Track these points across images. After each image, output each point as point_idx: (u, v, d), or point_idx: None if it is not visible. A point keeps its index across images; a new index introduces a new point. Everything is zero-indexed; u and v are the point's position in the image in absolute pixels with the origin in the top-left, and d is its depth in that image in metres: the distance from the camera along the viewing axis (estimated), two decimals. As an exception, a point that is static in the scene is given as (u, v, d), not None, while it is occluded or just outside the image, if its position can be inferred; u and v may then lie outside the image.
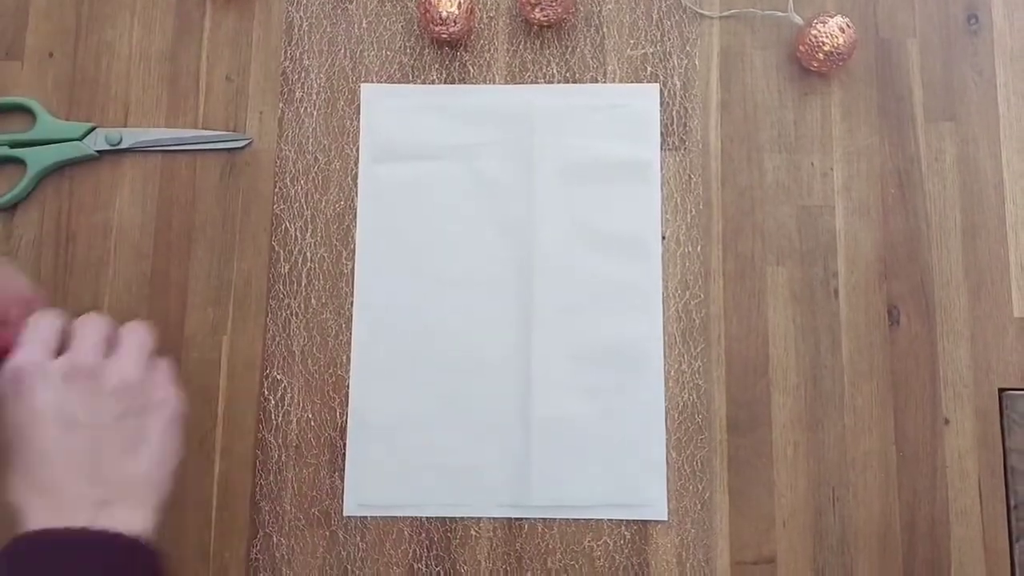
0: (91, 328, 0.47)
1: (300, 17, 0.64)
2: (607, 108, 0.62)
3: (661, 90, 0.63)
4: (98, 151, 0.62)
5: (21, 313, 0.48)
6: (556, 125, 0.62)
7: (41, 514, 0.42)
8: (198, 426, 0.59)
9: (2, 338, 0.47)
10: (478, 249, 0.61)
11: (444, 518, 0.58)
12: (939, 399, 0.59)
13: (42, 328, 0.47)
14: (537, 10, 0.61)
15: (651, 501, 0.58)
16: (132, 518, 0.44)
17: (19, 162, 0.62)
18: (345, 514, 0.58)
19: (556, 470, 0.58)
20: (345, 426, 0.59)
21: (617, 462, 0.58)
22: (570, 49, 0.63)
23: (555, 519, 0.58)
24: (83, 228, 0.62)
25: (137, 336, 0.49)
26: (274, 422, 0.59)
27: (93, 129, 0.62)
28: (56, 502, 0.43)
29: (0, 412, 0.45)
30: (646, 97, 0.62)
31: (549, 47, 0.63)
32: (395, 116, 0.63)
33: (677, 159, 0.62)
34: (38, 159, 0.61)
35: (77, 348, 0.46)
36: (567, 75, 0.63)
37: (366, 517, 0.58)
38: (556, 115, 0.62)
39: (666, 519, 0.58)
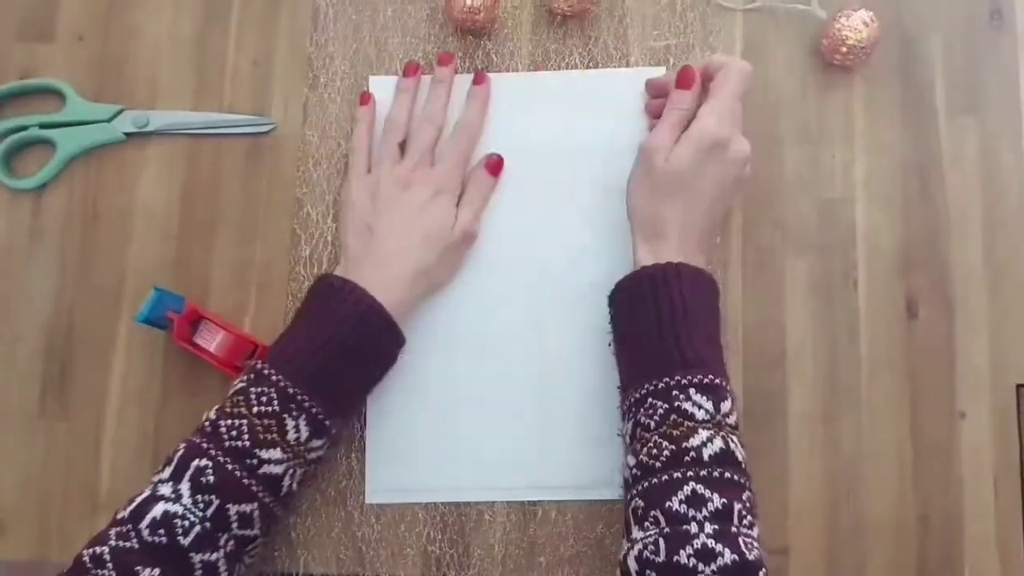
0: None
1: (326, 3, 0.65)
2: (626, 94, 0.62)
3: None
4: (125, 133, 0.63)
5: None
6: (571, 112, 0.62)
7: None
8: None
9: None
10: (494, 232, 0.61)
11: (459, 502, 0.59)
12: (956, 393, 0.59)
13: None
14: (561, 0, 0.61)
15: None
16: None
17: (49, 143, 0.63)
18: (367, 501, 0.58)
19: (570, 452, 0.58)
20: (363, 408, 0.59)
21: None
22: (593, 39, 0.64)
23: (569, 506, 0.58)
24: (109, 209, 0.62)
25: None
26: (293, 403, 0.60)
27: (121, 111, 0.63)
28: None
29: None
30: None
31: (572, 37, 0.64)
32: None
33: (697, 150, 0.62)
34: (67, 141, 0.62)
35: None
36: (590, 65, 0.63)
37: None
38: (571, 102, 0.62)
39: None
